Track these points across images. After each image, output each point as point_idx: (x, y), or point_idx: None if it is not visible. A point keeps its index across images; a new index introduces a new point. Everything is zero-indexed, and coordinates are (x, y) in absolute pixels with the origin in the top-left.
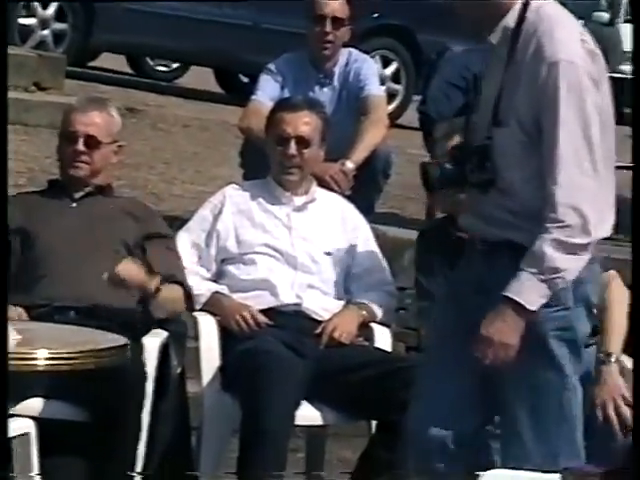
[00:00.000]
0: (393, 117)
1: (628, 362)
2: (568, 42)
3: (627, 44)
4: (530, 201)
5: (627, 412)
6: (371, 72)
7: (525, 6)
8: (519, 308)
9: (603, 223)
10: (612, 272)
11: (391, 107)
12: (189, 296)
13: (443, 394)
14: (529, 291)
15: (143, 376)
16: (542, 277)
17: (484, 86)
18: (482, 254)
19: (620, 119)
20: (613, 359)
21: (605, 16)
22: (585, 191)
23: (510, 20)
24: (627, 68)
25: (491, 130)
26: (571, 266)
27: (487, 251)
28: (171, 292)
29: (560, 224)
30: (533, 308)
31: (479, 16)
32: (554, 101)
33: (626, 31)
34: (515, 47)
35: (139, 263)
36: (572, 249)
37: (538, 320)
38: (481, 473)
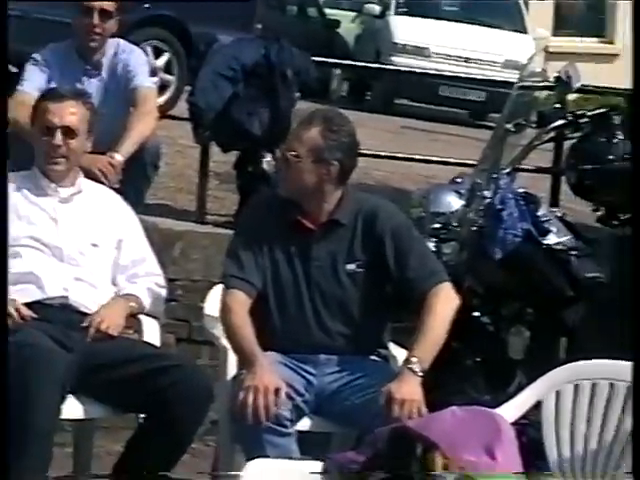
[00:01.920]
0: (166, 108)
1: None
2: None
3: (397, 36)
4: None
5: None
6: (139, 63)
7: None
8: None
9: None
10: (447, 284)
11: (163, 98)
12: None
13: None
14: None
15: None
16: None
17: None
18: None
19: (391, 109)
20: (416, 366)
21: (377, 8)
22: None
23: None
24: (398, 59)
25: None
26: None
27: None
28: None
29: None
30: None
31: None
32: None
33: (396, 23)
34: None
35: None
36: None
37: None
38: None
